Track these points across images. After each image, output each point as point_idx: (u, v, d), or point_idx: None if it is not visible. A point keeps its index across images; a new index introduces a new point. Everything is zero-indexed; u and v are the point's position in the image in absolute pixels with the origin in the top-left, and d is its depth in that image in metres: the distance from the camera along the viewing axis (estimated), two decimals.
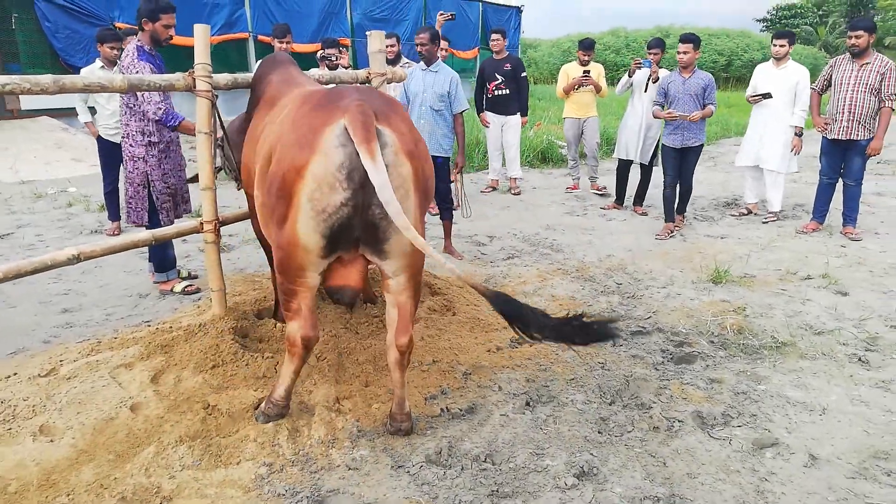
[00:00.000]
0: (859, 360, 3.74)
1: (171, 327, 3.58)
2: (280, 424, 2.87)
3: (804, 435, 2.99)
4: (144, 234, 3.33)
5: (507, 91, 7.64)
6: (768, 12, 42.96)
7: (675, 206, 6.47)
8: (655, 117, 6.42)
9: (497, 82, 7.68)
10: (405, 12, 17.23)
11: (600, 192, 8.06)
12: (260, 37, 13.67)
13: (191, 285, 4.65)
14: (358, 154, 2.32)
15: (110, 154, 5.99)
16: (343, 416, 3.01)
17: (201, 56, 3.21)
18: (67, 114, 11.31)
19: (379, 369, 3.47)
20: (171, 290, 4.60)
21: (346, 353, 3.54)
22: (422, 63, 5.48)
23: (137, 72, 3.96)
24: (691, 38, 6.18)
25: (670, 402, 3.22)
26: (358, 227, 2.48)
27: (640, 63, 6.81)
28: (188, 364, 3.17)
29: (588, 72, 7.62)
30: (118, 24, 11.37)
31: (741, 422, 3.07)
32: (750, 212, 7.14)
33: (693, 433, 2.97)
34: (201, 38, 3.21)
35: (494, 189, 8.33)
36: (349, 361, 3.48)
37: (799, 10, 41.17)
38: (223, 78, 3.37)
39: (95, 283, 4.87)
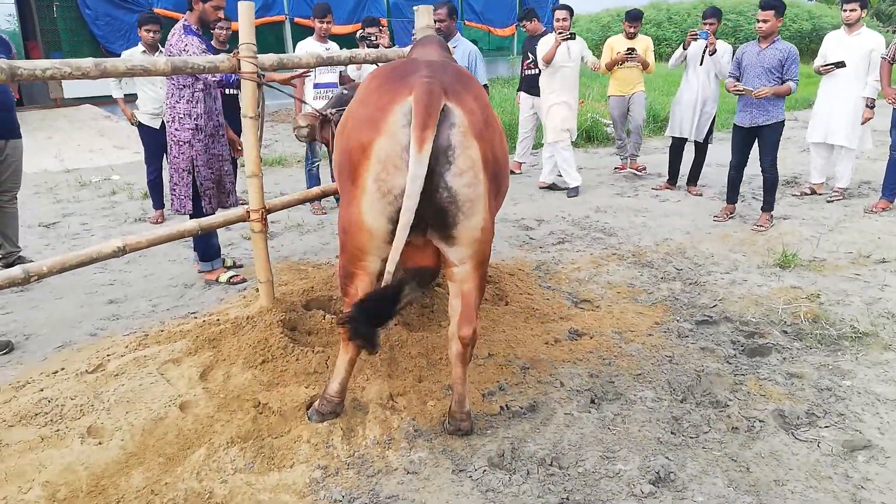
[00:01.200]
0: None
1: (218, 320, 3.47)
2: (334, 424, 2.74)
3: None
4: (190, 223, 3.21)
5: (538, 70, 7.05)
6: None
7: (753, 188, 5.91)
8: (727, 90, 5.89)
9: (528, 61, 7.33)
10: None
11: (639, 173, 7.64)
12: (297, 19, 13.55)
13: (236, 275, 4.55)
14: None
15: (152, 141, 5.93)
16: (398, 414, 2.86)
17: (246, 36, 3.05)
18: (109, 102, 11.35)
19: (432, 364, 3.31)
20: (217, 280, 4.51)
21: (398, 347, 3.38)
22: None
23: (186, 45, 3.87)
24: (773, 4, 5.40)
25: (748, 400, 2.99)
26: (426, 212, 2.31)
27: (696, 34, 6.35)
28: (237, 359, 3.06)
29: (632, 49, 6.99)
30: (157, 10, 11.38)
31: (828, 421, 2.82)
32: (814, 192, 6.73)
33: (776, 434, 2.74)
34: (246, 17, 3.04)
35: (513, 172, 7.89)
36: (401, 355, 3.33)
37: None
38: (269, 59, 3.20)
39: (140, 273, 4.81)
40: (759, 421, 2.82)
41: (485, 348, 3.41)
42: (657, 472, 2.50)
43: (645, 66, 7.22)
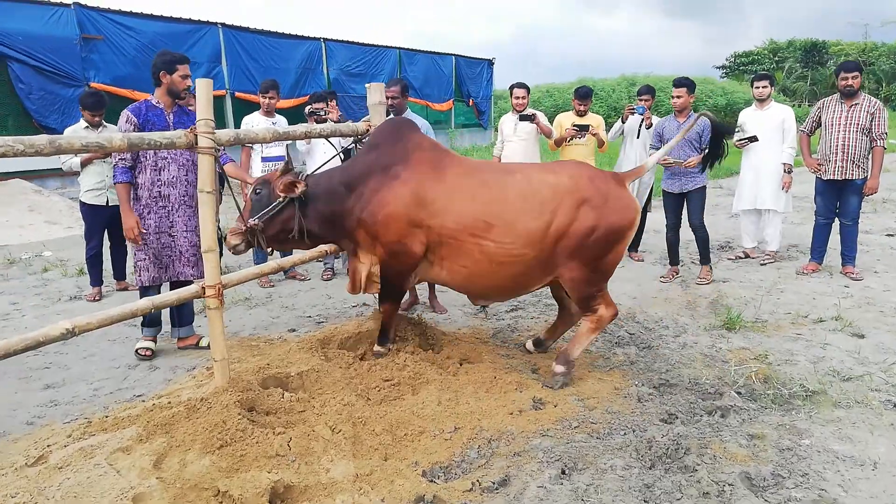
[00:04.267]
0: (895, 406, 3.60)
1: (169, 403, 3.28)
2: None
3: (862, 493, 2.80)
4: (143, 301, 3.07)
5: None
6: (727, 59, 44.68)
7: (690, 252, 6.37)
8: (658, 162, 6.18)
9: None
10: (381, 66, 17.40)
11: None
12: (237, 94, 13.63)
13: (147, 350, 4.56)
14: None
15: (93, 218, 5.79)
16: (367, 496, 2.74)
17: (203, 112, 3.03)
18: (40, 175, 11.04)
19: (397, 440, 3.22)
20: (197, 345, 4.62)
21: (361, 424, 3.27)
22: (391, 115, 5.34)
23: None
24: (685, 83, 6.07)
25: (714, 463, 3.00)
26: None
27: (633, 109, 6.71)
28: (193, 445, 2.88)
29: (581, 126, 6.64)
30: (94, 84, 11.25)
31: (794, 482, 2.87)
32: (747, 255, 7.07)
33: (747, 497, 2.76)
34: (203, 94, 3.03)
35: None
36: (365, 432, 3.22)
37: (756, 57, 42.81)
38: (225, 134, 3.19)
39: (78, 355, 4.55)
40: (729, 484, 2.84)
41: (450, 421, 3.35)
42: None
43: (600, 143, 6.85)
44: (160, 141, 2.90)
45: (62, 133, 5.67)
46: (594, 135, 6.59)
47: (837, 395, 3.72)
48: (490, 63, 22.06)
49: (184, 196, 4.27)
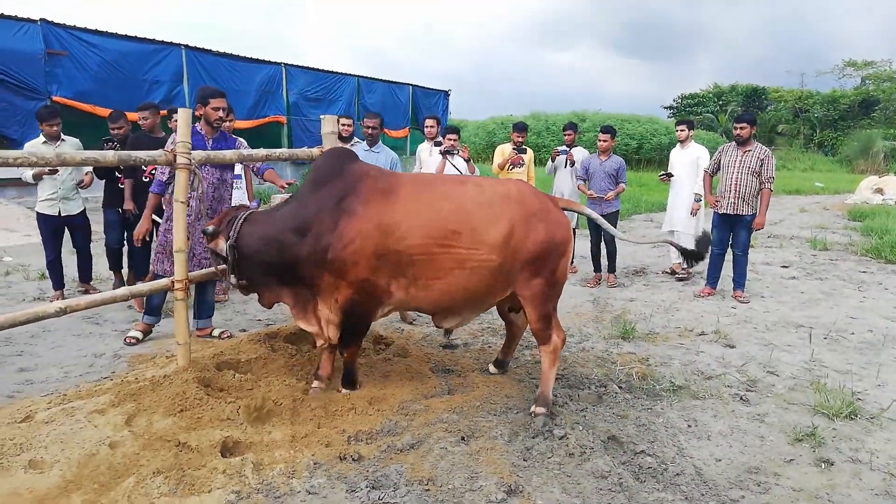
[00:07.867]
0: (741, 398, 4.43)
1: (136, 379, 3.88)
2: (245, 459, 3.23)
3: (692, 454, 3.59)
4: (121, 290, 3.69)
5: None
6: (674, 100, 46.98)
7: (605, 263, 7.80)
8: (579, 189, 7.72)
9: None
10: (339, 93, 18.14)
11: None
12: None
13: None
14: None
15: (46, 226, 6.25)
16: (301, 452, 3.39)
17: (182, 135, 3.71)
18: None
19: (330, 413, 3.87)
20: (210, 335, 5.30)
21: (300, 400, 3.93)
22: (364, 143, 6.11)
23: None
24: (609, 130, 7.58)
25: (582, 433, 3.75)
26: None
27: (558, 152, 8.01)
28: (158, 409, 3.50)
29: (520, 149, 7.74)
30: (56, 98, 11.66)
31: (642, 448, 3.64)
32: (674, 272, 8.22)
33: (602, 456, 3.51)
34: (184, 121, 3.72)
35: None
36: (303, 407, 3.87)
37: (701, 99, 45.15)
38: (199, 154, 3.86)
39: (47, 346, 5.07)
40: (590, 448, 3.59)
41: (376, 401, 4.02)
42: (510, 486, 3.18)
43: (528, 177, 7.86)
44: (145, 158, 3.55)
45: (22, 146, 6.21)
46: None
47: (697, 389, 4.54)
48: (446, 94, 23.06)
49: (207, 209, 4.85)
